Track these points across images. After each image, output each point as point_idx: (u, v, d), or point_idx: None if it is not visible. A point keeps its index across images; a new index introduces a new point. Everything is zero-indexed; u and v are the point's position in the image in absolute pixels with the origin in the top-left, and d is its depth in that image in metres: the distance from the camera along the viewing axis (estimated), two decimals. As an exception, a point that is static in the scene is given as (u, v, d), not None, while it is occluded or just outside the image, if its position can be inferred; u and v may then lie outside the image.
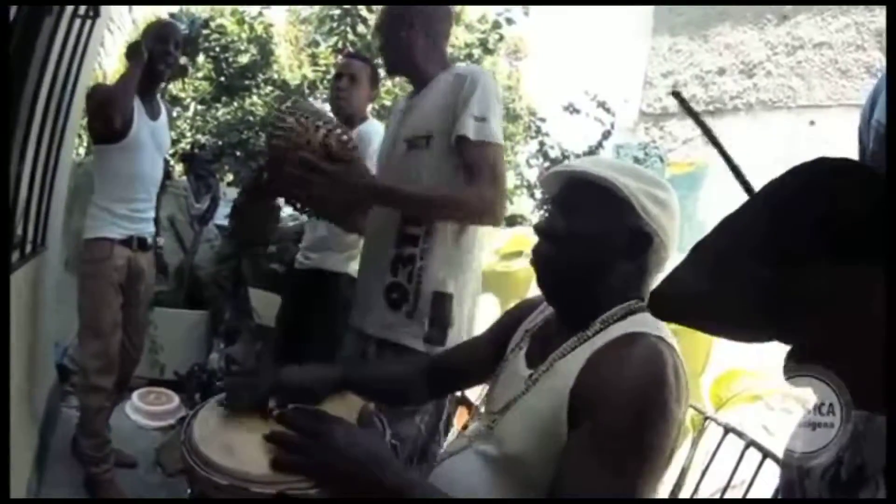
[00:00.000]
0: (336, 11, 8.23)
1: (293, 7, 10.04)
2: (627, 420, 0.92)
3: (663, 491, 1.81)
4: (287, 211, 3.73)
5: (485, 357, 1.32)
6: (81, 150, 2.57)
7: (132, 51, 2.68)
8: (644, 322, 1.04)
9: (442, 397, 1.62)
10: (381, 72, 2.96)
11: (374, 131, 2.73)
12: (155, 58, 2.67)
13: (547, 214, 1.21)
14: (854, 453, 0.64)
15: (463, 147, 1.67)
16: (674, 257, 1.02)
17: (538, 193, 7.66)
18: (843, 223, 0.54)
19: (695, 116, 0.69)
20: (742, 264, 0.62)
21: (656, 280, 1.12)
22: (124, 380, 2.96)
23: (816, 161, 0.54)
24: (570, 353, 1.06)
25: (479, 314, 1.87)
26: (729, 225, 0.64)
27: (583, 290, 1.11)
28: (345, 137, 1.68)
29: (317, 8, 9.08)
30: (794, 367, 0.63)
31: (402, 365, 1.52)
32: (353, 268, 2.85)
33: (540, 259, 1.15)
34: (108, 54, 4.33)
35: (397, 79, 8.15)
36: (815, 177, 0.54)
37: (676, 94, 0.71)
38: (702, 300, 0.67)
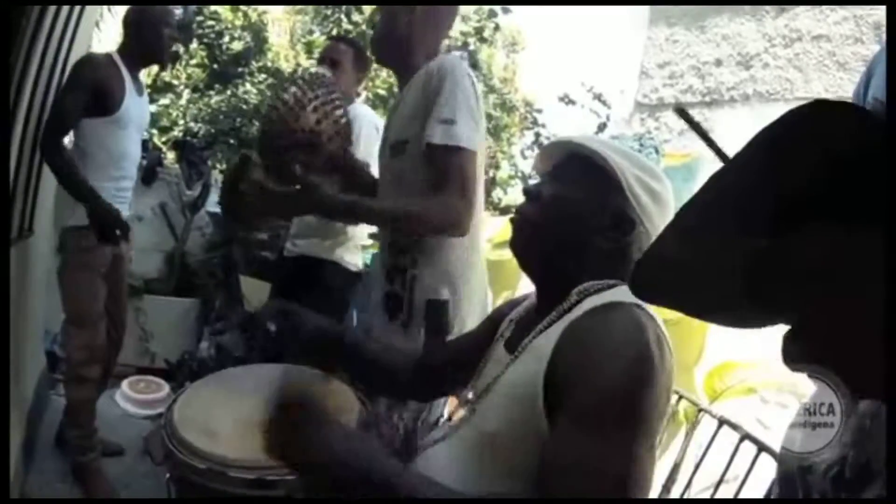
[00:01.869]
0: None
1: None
2: (611, 391, 0.89)
3: (655, 483, 1.79)
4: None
5: (468, 355, 1.28)
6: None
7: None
8: (622, 294, 1.00)
9: (425, 399, 1.58)
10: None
11: (359, 115, 2.69)
12: (152, 40, 2.63)
13: (539, 181, 1.20)
14: (859, 451, 0.61)
15: (430, 153, 1.59)
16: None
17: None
18: (840, 168, 0.48)
19: (702, 134, 0.62)
20: (726, 226, 0.55)
21: None
22: (109, 368, 2.92)
23: (813, 103, 0.49)
24: (548, 329, 1.03)
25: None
26: (714, 181, 0.54)
27: (557, 259, 1.09)
28: (343, 121, 1.67)
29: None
30: (795, 353, 0.56)
31: (398, 356, 1.48)
32: (339, 255, 2.84)
33: (521, 218, 1.13)
34: (101, 31, 4.24)
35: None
36: (810, 118, 0.48)
37: (681, 111, 0.64)
38: (682, 271, 0.60)
